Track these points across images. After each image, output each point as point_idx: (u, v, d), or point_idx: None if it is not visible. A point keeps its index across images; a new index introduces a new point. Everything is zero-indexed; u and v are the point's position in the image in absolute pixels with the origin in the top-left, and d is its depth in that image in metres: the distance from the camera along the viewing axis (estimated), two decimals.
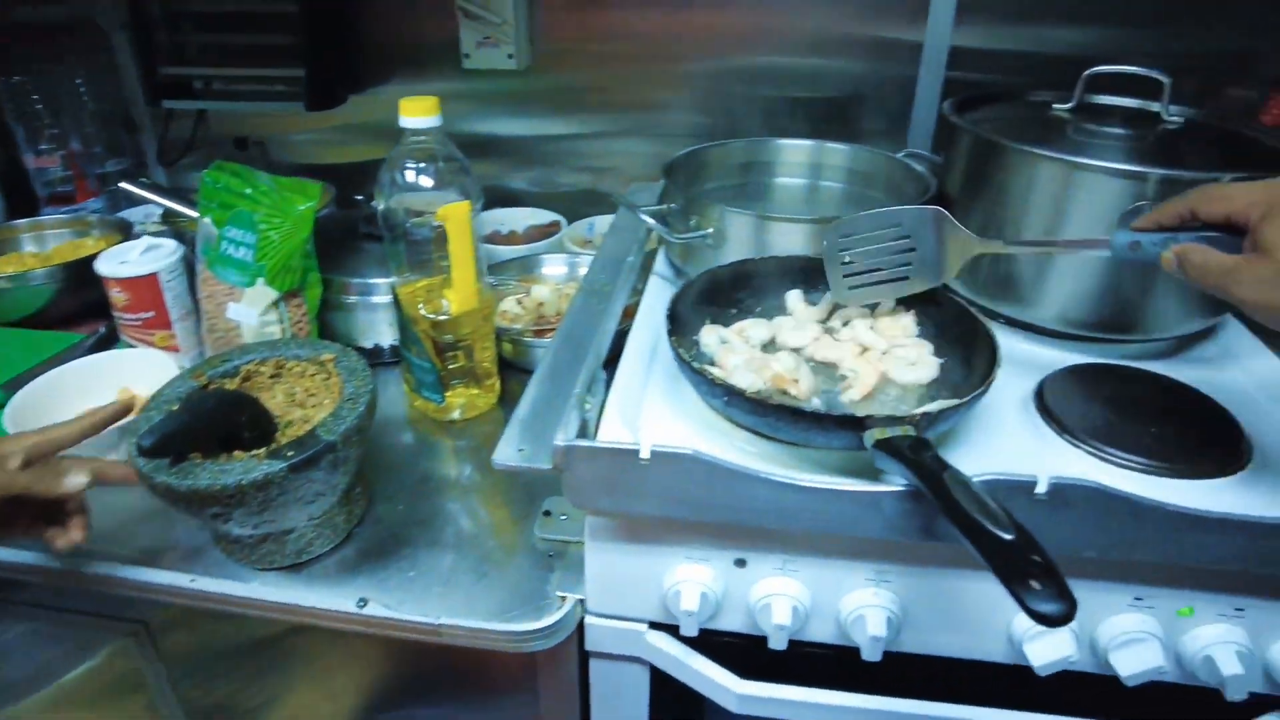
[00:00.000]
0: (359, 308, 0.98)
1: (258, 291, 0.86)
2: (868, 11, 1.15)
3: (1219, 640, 0.60)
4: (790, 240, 0.83)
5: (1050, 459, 0.66)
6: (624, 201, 0.89)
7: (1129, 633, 0.60)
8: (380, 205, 0.83)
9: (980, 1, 1.10)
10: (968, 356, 0.72)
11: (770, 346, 0.76)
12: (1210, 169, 0.73)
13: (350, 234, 1.04)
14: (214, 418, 0.67)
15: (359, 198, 1.22)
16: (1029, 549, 0.44)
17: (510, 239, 1.24)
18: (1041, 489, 0.54)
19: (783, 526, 0.59)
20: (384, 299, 0.98)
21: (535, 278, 1.13)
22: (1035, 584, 0.43)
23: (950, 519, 0.48)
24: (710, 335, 0.75)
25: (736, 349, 0.73)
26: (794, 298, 0.80)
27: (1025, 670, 0.63)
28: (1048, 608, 0.42)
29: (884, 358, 0.73)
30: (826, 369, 0.74)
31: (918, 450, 0.55)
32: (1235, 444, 0.67)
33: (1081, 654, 0.62)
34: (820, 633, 0.66)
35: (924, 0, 1.10)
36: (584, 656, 0.74)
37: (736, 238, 0.86)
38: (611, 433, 0.66)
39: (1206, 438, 0.68)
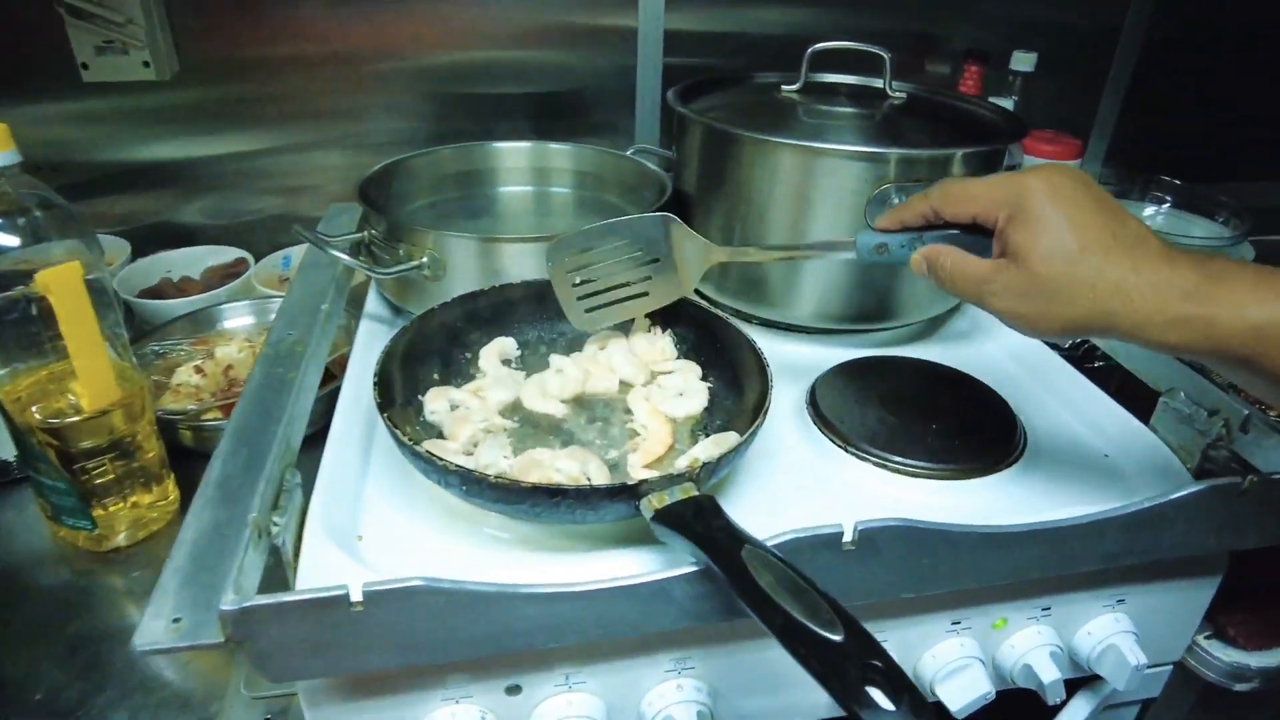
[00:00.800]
0: None
1: None
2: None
3: (1033, 646, 0.56)
4: (523, 263, 0.70)
5: (837, 479, 0.59)
6: (306, 235, 0.71)
7: (951, 662, 0.55)
8: None
9: None
10: (735, 375, 0.64)
11: (514, 411, 0.63)
12: (946, 143, 0.70)
13: None
14: None
15: None
16: (866, 650, 0.35)
17: (184, 288, 1.00)
18: (849, 538, 0.46)
19: (558, 644, 0.46)
20: None
21: (218, 335, 0.91)
22: (880, 699, 0.33)
23: (760, 618, 0.38)
24: (437, 400, 0.60)
25: (473, 414, 0.59)
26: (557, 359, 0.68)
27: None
28: (884, 710, 0.33)
29: (651, 391, 0.63)
30: (593, 407, 0.62)
31: (705, 519, 0.45)
32: (1009, 428, 0.64)
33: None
34: None
35: None
36: None
37: (459, 266, 0.71)
38: (315, 560, 0.49)
39: (982, 424, 0.65)
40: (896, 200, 0.67)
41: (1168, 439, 0.63)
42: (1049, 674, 0.55)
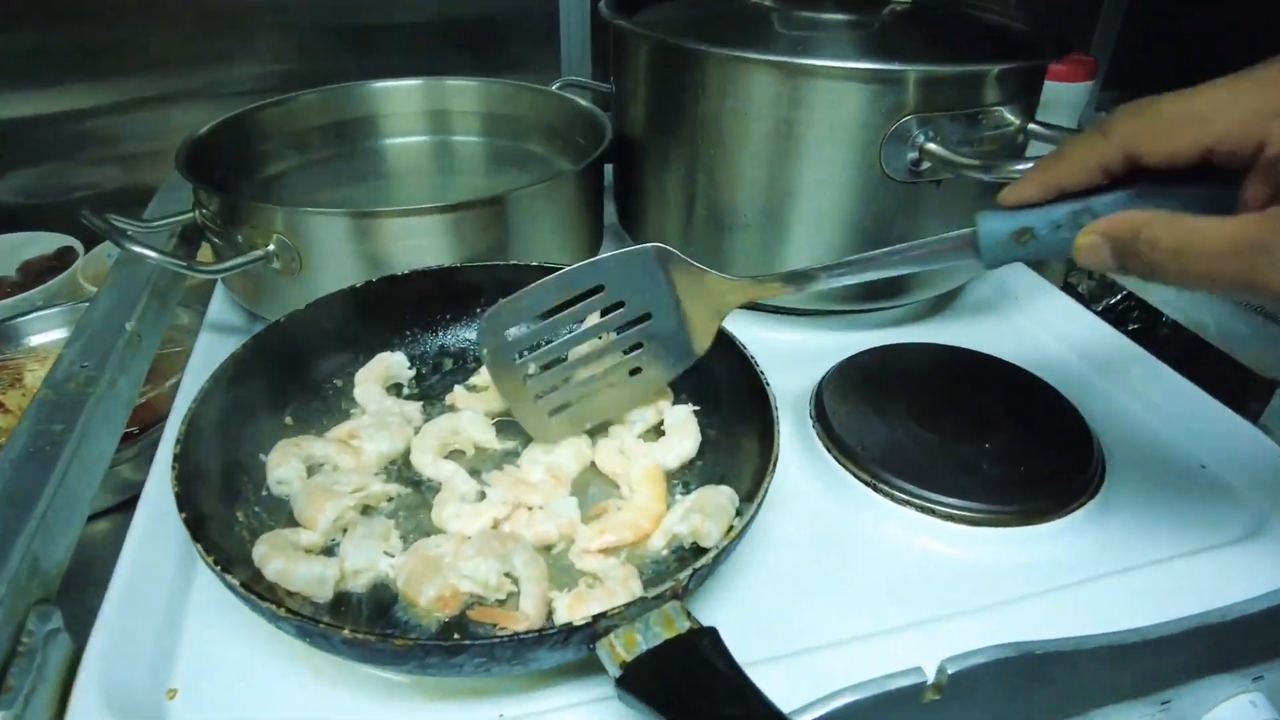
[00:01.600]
0: None
1: None
2: None
3: None
4: (418, 244, 0.51)
5: (863, 532, 0.43)
6: (94, 221, 0.50)
7: None
8: None
9: None
10: (715, 391, 0.46)
11: (406, 467, 0.44)
12: (975, 58, 0.52)
13: None
14: None
15: None
16: None
17: None
18: (931, 680, 0.29)
19: None
20: None
21: (27, 353, 0.70)
22: None
23: None
24: (287, 460, 0.41)
25: (340, 481, 0.40)
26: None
27: None
28: None
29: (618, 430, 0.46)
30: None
31: (706, 679, 0.27)
32: (1082, 442, 0.48)
33: None
34: None
35: None
36: None
37: (324, 253, 0.51)
38: None
39: (1046, 438, 0.48)
40: (923, 138, 0.49)
41: None
42: None
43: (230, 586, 0.31)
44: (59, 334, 0.71)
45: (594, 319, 0.42)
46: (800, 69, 0.49)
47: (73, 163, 0.92)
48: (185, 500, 0.34)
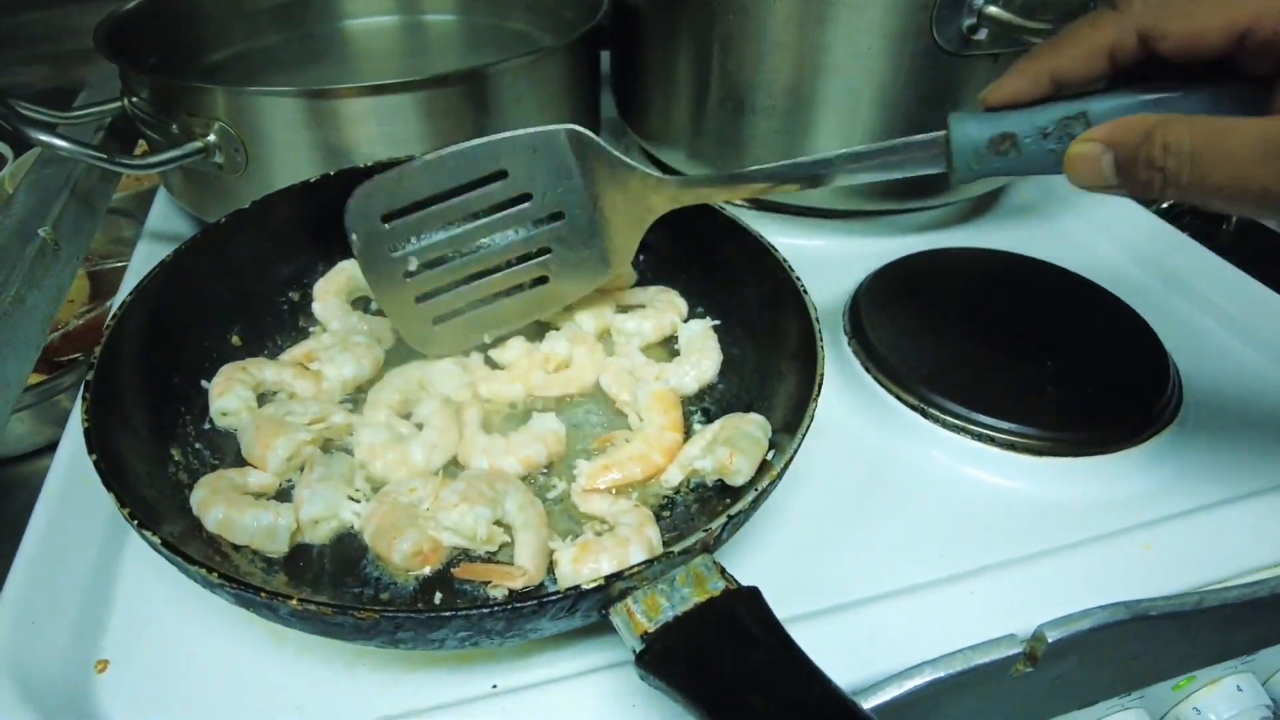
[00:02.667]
0: None
1: None
2: None
3: (1235, 712, 0.36)
4: (383, 131, 0.43)
5: (910, 461, 0.38)
6: (2, 109, 0.42)
7: None
8: None
9: None
10: (736, 298, 0.40)
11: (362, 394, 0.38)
12: None
13: None
14: None
15: None
16: None
17: None
18: (1021, 650, 0.24)
19: None
20: None
21: None
22: None
23: None
24: (232, 386, 0.34)
25: (295, 411, 0.33)
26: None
27: None
28: None
29: (621, 346, 0.39)
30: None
31: (747, 667, 0.22)
32: (1156, 363, 0.41)
33: None
34: None
35: None
36: None
37: (273, 143, 0.44)
38: None
39: (1114, 358, 0.42)
40: (993, 8, 0.41)
41: None
42: None
43: (151, 545, 0.25)
44: None
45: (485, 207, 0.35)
46: None
47: None
48: (98, 438, 0.28)
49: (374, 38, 0.60)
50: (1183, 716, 0.37)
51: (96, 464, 0.27)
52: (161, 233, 0.51)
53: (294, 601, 0.22)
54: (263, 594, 0.23)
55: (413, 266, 0.36)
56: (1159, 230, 0.53)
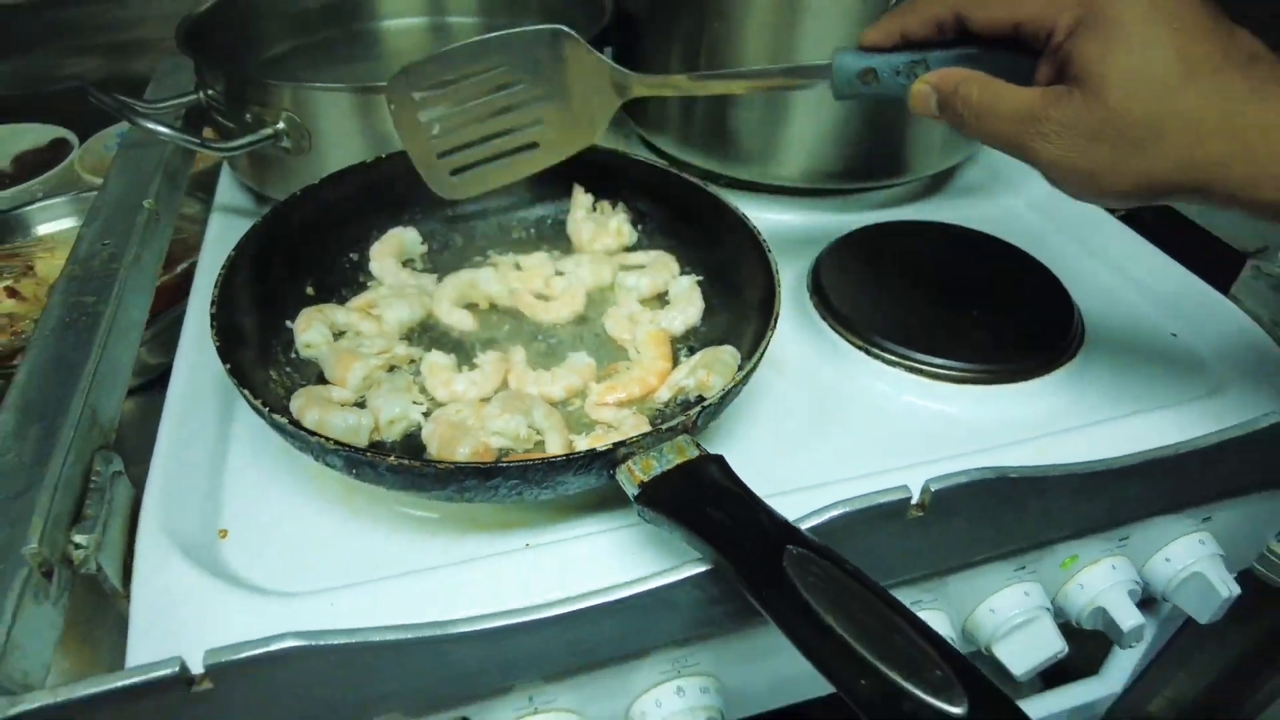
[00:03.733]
0: None
1: None
2: None
3: (1108, 584, 0.45)
4: None
5: (856, 390, 0.47)
6: (105, 100, 0.50)
7: (1015, 615, 0.43)
8: None
9: None
10: (719, 260, 0.48)
11: (424, 334, 0.47)
12: None
13: None
14: None
15: None
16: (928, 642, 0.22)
17: None
18: (916, 499, 0.33)
19: (516, 681, 0.32)
20: None
21: (35, 243, 0.71)
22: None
23: (828, 676, 0.25)
24: (312, 325, 0.43)
25: (365, 343, 0.42)
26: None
27: None
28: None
29: (622, 297, 0.48)
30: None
31: (711, 493, 0.31)
32: (1064, 311, 0.51)
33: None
34: None
35: None
36: None
37: (331, 132, 0.53)
38: (155, 586, 0.34)
39: (1030, 307, 0.51)
40: None
41: (1255, 311, 0.51)
42: (1129, 619, 0.44)
43: (279, 426, 0.34)
44: (66, 223, 0.72)
45: (490, 86, 0.44)
46: None
47: (55, 52, 0.90)
48: (226, 353, 0.36)
49: (406, 36, 0.69)
50: (1070, 592, 0.47)
51: (230, 371, 0.36)
52: (228, 206, 0.60)
53: (391, 459, 0.31)
54: (368, 453, 0.32)
55: (435, 131, 0.45)
56: (1084, 208, 0.62)
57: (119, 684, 0.26)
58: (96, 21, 0.91)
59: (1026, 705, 0.48)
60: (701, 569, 0.31)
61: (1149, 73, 0.31)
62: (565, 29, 0.43)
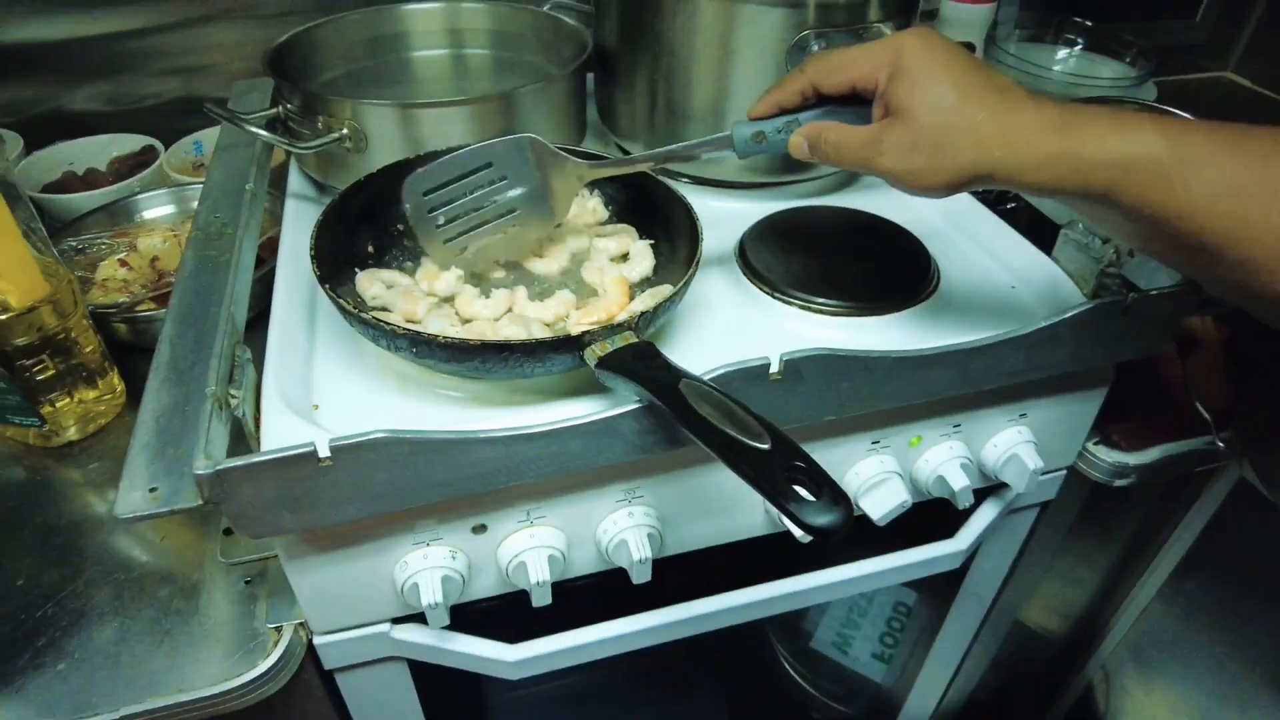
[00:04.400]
0: None
1: None
2: None
3: (946, 459, 0.63)
4: (446, 130, 0.70)
5: (764, 322, 0.63)
6: (220, 113, 0.69)
7: (872, 477, 0.61)
8: None
9: None
10: (668, 232, 0.66)
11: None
12: None
13: None
14: None
15: None
16: (790, 454, 0.40)
17: (92, 180, 0.96)
18: (775, 369, 0.50)
19: (517, 482, 0.50)
20: None
21: (138, 226, 0.89)
22: (804, 494, 0.38)
23: (700, 440, 0.42)
24: (370, 283, 0.61)
25: (416, 295, 0.60)
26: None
27: (783, 537, 0.62)
28: (822, 519, 0.37)
29: (595, 255, 0.66)
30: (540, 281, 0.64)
31: (645, 360, 0.48)
32: (923, 266, 0.68)
33: None
34: (582, 566, 0.60)
35: None
36: (327, 676, 0.62)
37: (382, 135, 0.70)
38: (277, 427, 0.51)
39: (898, 265, 0.69)
40: (816, 47, 0.68)
41: (1067, 268, 0.68)
42: (959, 482, 0.62)
43: (359, 317, 0.51)
44: (162, 210, 0.90)
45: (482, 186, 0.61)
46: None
47: (139, 74, 1.08)
48: (321, 276, 0.54)
49: (432, 64, 0.87)
50: (919, 466, 0.64)
51: (328, 291, 0.53)
52: (298, 194, 0.78)
53: (440, 337, 0.49)
54: (424, 334, 0.49)
55: (440, 221, 0.61)
56: (963, 198, 0.80)
57: (280, 455, 0.44)
58: (171, 50, 1.09)
59: (896, 556, 0.66)
60: (636, 407, 0.48)
61: (939, 101, 0.47)
62: (534, 138, 0.59)
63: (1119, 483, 0.72)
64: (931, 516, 0.68)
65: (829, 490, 0.38)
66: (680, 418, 0.43)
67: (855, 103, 0.52)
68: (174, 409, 0.48)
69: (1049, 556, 0.85)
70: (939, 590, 0.88)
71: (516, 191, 0.61)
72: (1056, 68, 1.22)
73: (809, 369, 0.51)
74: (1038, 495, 0.75)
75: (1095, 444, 0.72)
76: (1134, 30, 1.26)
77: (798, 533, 0.44)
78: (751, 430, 0.41)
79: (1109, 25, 1.22)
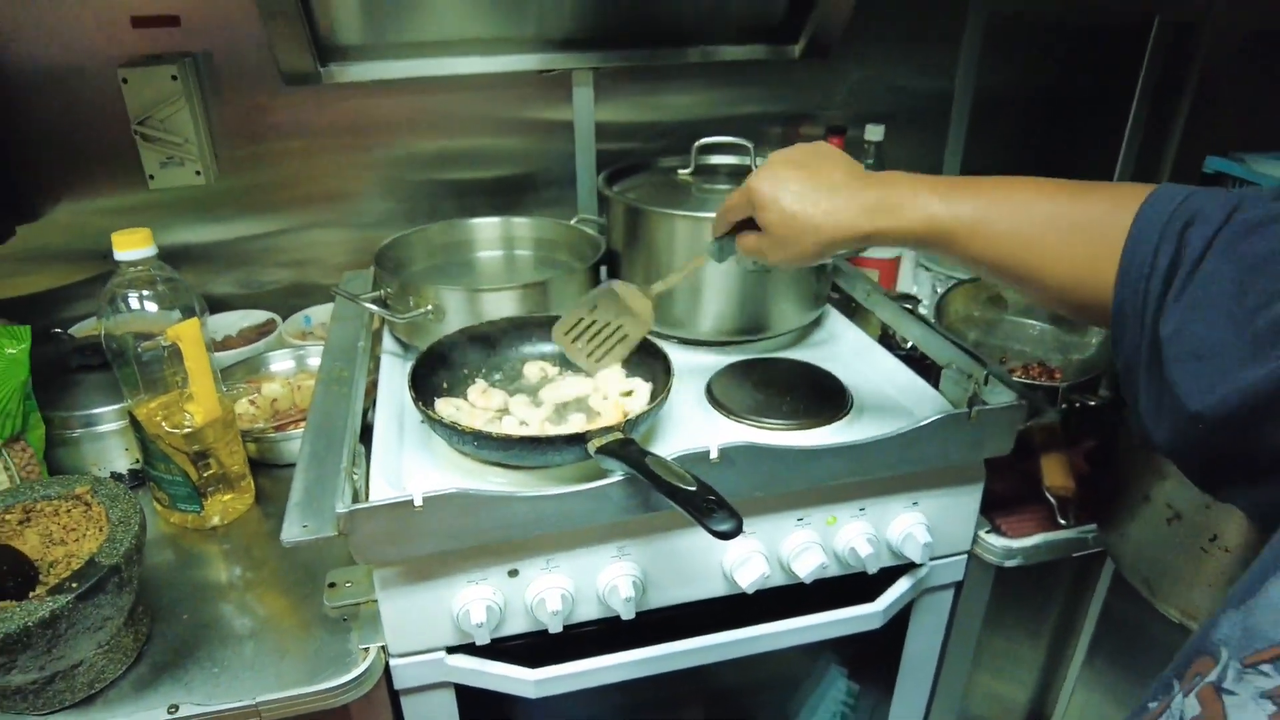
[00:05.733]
0: (85, 440, 0.97)
1: None
2: (527, 96, 1.34)
3: (855, 534, 0.85)
4: (500, 306, 0.99)
5: (721, 434, 0.88)
6: (343, 293, 0.99)
7: (800, 544, 0.83)
8: (102, 334, 0.86)
9: (613, 85, 1.35)
10: (653, 373, 0.93)
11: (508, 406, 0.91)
12: None
13: (61, 368, 1.02)
14: None
15: (58, 330, 1.18)
16: (705, 491, 0.64)
17: (227, 344, 1.27)
18: (714, 454, 0.75)
19: (542, 531, 0.74)
20: (110, 427, 0.98)
21: (263, 376, 1.18)
22: (713, 511, 0.62)
23: (655, 487, 0.66)
24: (446, 407, 0.88)
25: (476, 415, 0.87)
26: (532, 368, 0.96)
27: (740, 596, 0.83)
28: (722, 525, 0.61)
29: (606, 391, 0.92)
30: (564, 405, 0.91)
31: (627, 447, 0.73)
32: (841, 397, 0.94)
33: (773, 570, 0.84)
34: (587, 612, 0.82)
35: (568, 87, 1.33)
36: (394, 697, 0.83)
37: (454, 309, 1.00)
38: (381, 493, 0.76)
39: (823, 397, 0.94)
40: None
41: (949, 395, 0.93)
42: (865, 551, 0.84)
43: (440, 421, 0.77)
44: (281, 365, 1.20)
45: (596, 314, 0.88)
46: (695, 219, 0.98)
47: (265, 265, 1.41)
48: (416, 397, 0.81)
49: (491, 262, 1.19)
50: (836, 540, 0.86)
51: (422, 409, 0.80)
52: (390, 351, 1.07)
53: (493, 433, 0.74)
54: (482, 431, 0.75)
55: (579, 346, 0.88)
56: (877, 350, 1.06)
57: (390, 501, 0.69)
58: (287, 248, 1.42)
59: (826, 614, 0.87)
60: (621, 479, 0.73)
61: (780, 215, 0.67)
62: (617, 280, 0.87)
63: (1009, 563, 0.93)
64: (862, 591, 0.89)
65: (727, 510, 0.62)
66: (644, 475, 0.68)
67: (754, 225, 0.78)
68: (316, 481, 0.73)
69: (974, 638, 1.04)
70: (880, 677, 1.05)
71: (621, 320, 0.87)
72: None
73: (738, 455, 0.75)
74: (947, 576, 0.95)
75: (987, 532, 0.94)
76: None
77: (711, 534, 0.65)
78: (686, 480, 0.65)
79: None
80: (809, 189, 0.67)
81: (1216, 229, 0.50)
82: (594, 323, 0.87)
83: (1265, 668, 0.35)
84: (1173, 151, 1.70)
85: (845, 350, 1.08)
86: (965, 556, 0.95)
